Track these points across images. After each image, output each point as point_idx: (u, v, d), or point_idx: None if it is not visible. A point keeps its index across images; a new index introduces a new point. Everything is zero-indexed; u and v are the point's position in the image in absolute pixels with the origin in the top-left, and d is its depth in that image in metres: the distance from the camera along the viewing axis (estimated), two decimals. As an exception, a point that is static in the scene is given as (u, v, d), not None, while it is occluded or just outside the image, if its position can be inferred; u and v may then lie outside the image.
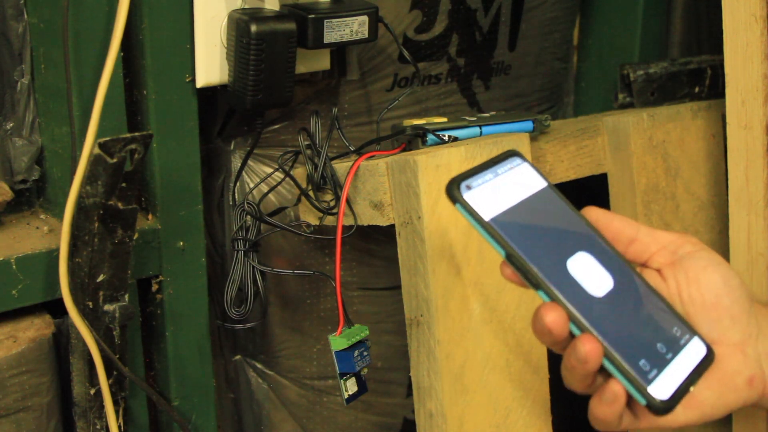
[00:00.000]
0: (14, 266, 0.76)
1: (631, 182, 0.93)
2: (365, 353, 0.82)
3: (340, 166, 0.83)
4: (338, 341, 0.81)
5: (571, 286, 0.60)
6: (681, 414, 0.63)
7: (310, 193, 0.85)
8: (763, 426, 0.87)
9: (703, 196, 0.99)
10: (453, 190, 0.60)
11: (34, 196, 0.84)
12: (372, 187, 0.80)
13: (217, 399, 0.91)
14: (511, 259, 0.60)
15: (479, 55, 1.02)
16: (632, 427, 0.64)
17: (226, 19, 0.79)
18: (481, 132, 0.87)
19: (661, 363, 0.60)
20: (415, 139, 0.84)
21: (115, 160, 0.70)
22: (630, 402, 0.62)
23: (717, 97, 1.00)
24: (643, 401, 0.59)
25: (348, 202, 0.81)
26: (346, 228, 0.81)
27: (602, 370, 0.61)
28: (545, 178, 0.65)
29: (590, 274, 0.62)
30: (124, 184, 0.72)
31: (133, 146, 0.71)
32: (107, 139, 0.70)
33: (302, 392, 1.00)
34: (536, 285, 0.60)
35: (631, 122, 0.93)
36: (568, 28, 1.14)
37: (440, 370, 0.77)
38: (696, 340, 0.63)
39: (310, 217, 0.86)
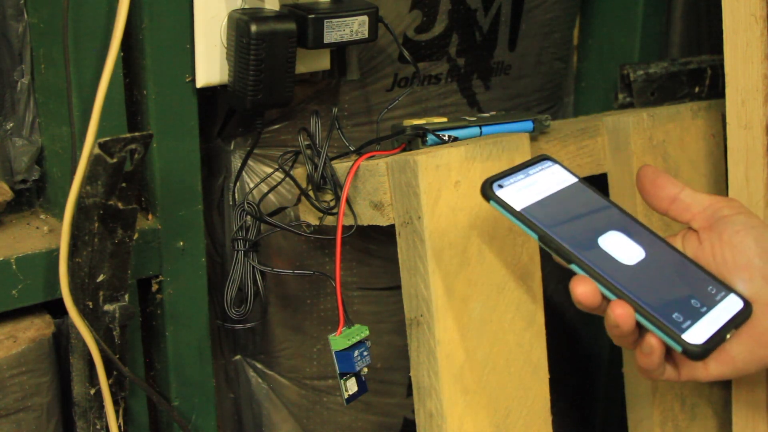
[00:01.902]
0: (14, 266, 0.76)
1: (631, 182, 0.93)
2: (365, 353, 0.82)
3: (340, 166, 0.83)
4: (338, 341, 0.81)
5: (602, 257, 0.65)
6: (714, 368, 0.67)
7: (310, 193, 0.85)
8: (764, 425, 0.87)
9: (703, 196, 0.99)
10: (486, 188, 0.67)
11: (34, 196, 0.84)
12: (372, 187, 0.80)
13: (217, 399, 0.91)
14: (543, 240, 0.65)
15: (479, 55, 1.02)
16: (674, 379, 0.68)
17: (226, 19, 0.79)
18: (481, 132, 0.87)
19: (695, 315, 0.63)
20: (415, 139, 0.84)
21: (115, 160, 0.70)
22: (670, 354, 0.66)
23: (717, 97, 1.00)
24: (678, 348, 0.62)
25: (348, 202, 0.81)
26: (346, 228, 0.81)
27: (641, 327, 0.64)
28: (576, 175, 0.69)
29: (622, 248, 0.65)
30: (124, 184, 0.72)
31: (133, 146, 0.71)
32: (107, 139, 0.70)
33: (302, 392, 1.00)
34: (567, 259, 0.64)
35: (631, 122, 0.93)
36: (568, 28, 1.14)
37: (440, 370, 0.77)
38: (732, 295, 0.66)
39: (310, 217, 0.86)
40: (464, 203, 0.79)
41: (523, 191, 0.66)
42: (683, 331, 0.62)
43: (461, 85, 1.02)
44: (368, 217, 0.81)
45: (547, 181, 0.68)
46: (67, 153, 0.78)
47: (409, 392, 1.05)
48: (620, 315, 0.63)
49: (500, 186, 0.67)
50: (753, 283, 0.67)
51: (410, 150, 0.84)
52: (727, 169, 0.87)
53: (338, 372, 0.81)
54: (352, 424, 1.04)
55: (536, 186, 0.67)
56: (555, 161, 0.69)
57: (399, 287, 0.79)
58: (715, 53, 1.06)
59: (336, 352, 0.81)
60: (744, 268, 0.67)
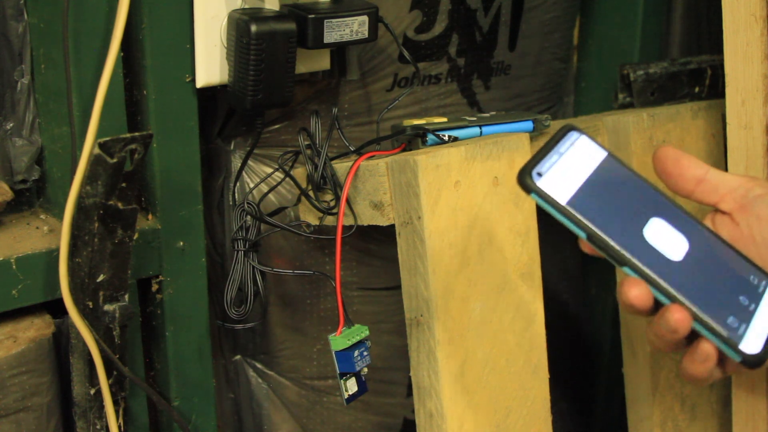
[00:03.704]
0: (14, 266, 0.76)
1: (631, 182, 0.93)
2: (365, 353, 0.82)
3: (340, 166, 0.83)
4: (338, 341, 0.81)
5: (652, 256, 0.62)
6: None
7: (310, 193, 0.85)
8: (764, 425, 0.87)
9: (703, 196, 0.99)
10: (525, 179, 0.61)
11: (34, 196, 0.84)
12: (372, 187, 0.80)
13: (217, 399, 0.91)
14: (592, 239, 0.62)
15: (479, 55, 1.02)
16: (721, 378, 0.66)
17: (226, 19, 0.79)
18: (481, 132, 0.87)
19: (746, 316, 0.62)
20: (415, 139, 0.84)
21: (115, 160, 0.70)
22: (720, 356, 0.63)
23: (717, 97, 1.00)
24: (737, 358, 0.61)
25: (348, 202, 0.81)
26: (346, 228, 0.81)
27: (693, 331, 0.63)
28: (603, 146, 0.66)
29: (666, 239, 0.63)
30: (124, 184, 0.72)
31: (133, 146, 0.71)
32: (107, 139, 0.70)
33: (302, 392, 1.00)
34: (621, 262, 0.61)
35: (631, 122, 0.93)
36: (568, 28, 1.14)
37: (440, 370, 0.77)
38: None
39: (310, 217, 0.86)
40: (464, 203, 0.79)
41: (562, 178, 0.62)
42: (740, 339, 0.61)
43: (461, 85, 1.02)
44: (368, 217, 0.81)
45: (580, 160, 0.64)
46: (67, 153, 0.78)
47: (409, 392, 1.05)
48: (679, 320, 0.60)
49: (539, 174, 0.61)
50: None
51: (410, 150, 0.84)
52: (727, 169, 0.87)
53: (338, 372, 0.81)
54: (352, 424, 1.04)
55: (572, 169, 0.63)
56: (580, 131, 0.66)
57: (399, 287, 0.79)
58: (715, 53, 1.06)
59: (336, 352, 0.81)
60: None
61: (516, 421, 0.83)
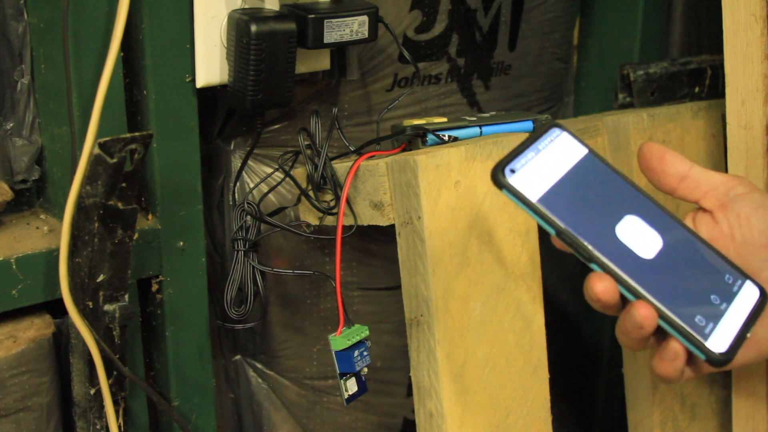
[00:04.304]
0: (14, 266, 0.76)
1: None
2: (365, 353, 0.82)
3: (340, 166, 0.83)
4: (338, 341, 0.81)
5: (621, 253, 0.62)
6: (738, 355, 0.64)
7: (310, 193, 0.85)
8: (764, 425, 0.87)
9: (703, 196, 0.99)
10: (498, 175, 0.62)
11: (34, 196, 0.84)
12: (372, 187, 0.80)
13: (217, 399, 0.91)
14: (561, 236, 0.62)
15: (479, 55, 1.02)
16: (693, 377, 0.66)
17: (226, 19, 0.79)
18: (481, 132, 0.87)
19: (716, 315, 0.62)
20: (415, 139, 0.84)
21: (115, 160, 0.70)
22: (689, 355, 0.63)
23: (717, 97, 1.00)
24: (702, 356, 0.61)
25: (348, 202, 0.81)
26: (346, 228, 0.81)
27: (658, 329, 0.62)
28: (586, 144, 0.66)
29: (639, 237, 0.63)
30: (124, 184, 0.72)
31: (133, 146, 0.71)
32: (107, 139, 0.69)
33: (302, 392, 1.00)
34: (588, 258, 0.62)
35: (631, 122, 0.93)
36: (568, 28, 1.14)
37: (440, 370, 0.77)
38: (748, 283, 0.64)
39: (310, 217, 0.86)
40: (464, 203, 0.79)
41: (536, 175, 0.63)
42: (707, 337, 0.61)
43: (461, 85, 1.02)
44: (368, 217, 0.81)
45: (559, 157, 0.64)
46: (67, 153, 0.78)
47: (409, 392, 1.05)
48: (644, 316, 0.61)
49: (512, 171, 0.62)
50: None
51: (410, 150, 0.84)
52: (727, 169, 0.87)
53: (338, 372, 0.81)
54: (352, 424, 1.04)
55: (548, 166, 0.63)
56: (563, 128, 0.66)
57: (399, 287, 0.79)
58: (715, 53, 1.06)
59: (336, 352, 0.81)
60: (763, 248, 0.65)
61: (516, 421, 0.83)
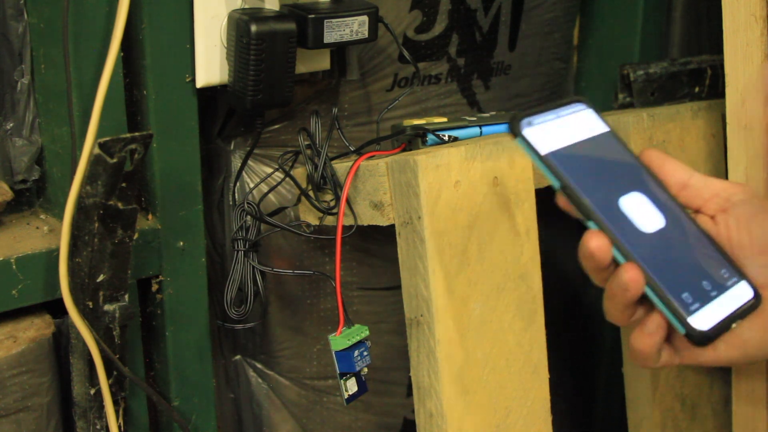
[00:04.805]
0: (14, 266, 0.76)
1: (631, 182, 0.93)
2: (365, 353, 0.82)
3: (340, 166, 0.83)
4: (338, 341, 0.81)
5: (620, 219, 0.62)
6: (723, 351, 0.65)
7: (310, 193, 0.85)
8: (763, 425, 0.87)
9: (703, 196, 0.99)
10: (514, 125, 0.63)
11: (34, 196, 0.84)
12: (372, 187, 0.80)
13: (217, 399, 0.91)
14: (565, 190, 0.62)
15: (479, 55, 1.02)
16: (671, 363, 0.66)
17: (226, 19, 0.79)
18: (481, 132, 0.87)
19: (704, 298, 0.62)
20: (415, 139, 0.84)
21: (115, 160, 0.70)
22: (671, 338, 0.64)
23: (717, 97, 1.00)
24: (682, 330, 0.61)
25: (348, 202, 0.81)
26: (346, 228, 0.81)
27: (644, 304, 0.63)
28: (608, 124, 0.66)
29: (642, 212, 0.63)
30: (124, 184, 0.72)
31: (133, 146, 0.71)
32: (107, 139, 0.70)
33: (302, 392, 1.00)
34: (587, 216, 0.62)
35: (631, 122, 0.93)
36: (568, 28, 1.14)
37: (440, 370, 0.77)
38: (744, 283, 0.64)
39: (310, 217, 0.86)
40: (464, 203, 0.79)
41: (552, 134, 0.63)
42: (690, 313, 0.61)
43: (461, 85, 1.02)
44: (368, 217, 0.81)
45: (578, 126, 0.65)
46: (67, 153, 0.78)
47: (409, 392, 1.05)
48: (632, 278, 0.61)
49: (530, 124, 0.63)
50: None
51: (410, 150, 0.84)
52: (727, 169, 0.87)
53: (338, 372, 0.81)
54: (352, 424, 1.04)
55: (566, 130, 0.64)
56: (588, 105, 0.66)
57: (399, 287, 0.79)
58: (715, 53, 1.06)
59: (336, 352, 0.81)
60: (760, 253, 0.65)
61: (516, 421, 0.83)
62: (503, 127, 0.88)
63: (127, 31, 0.75)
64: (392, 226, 0.79)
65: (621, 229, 0.62)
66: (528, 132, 0.63)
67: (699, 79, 1.09)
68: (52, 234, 0.80)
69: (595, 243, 0.61)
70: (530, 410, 0.84)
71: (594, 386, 1.27)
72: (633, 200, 0.64)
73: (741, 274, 0.65)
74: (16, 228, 0.81)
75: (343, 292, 0.85)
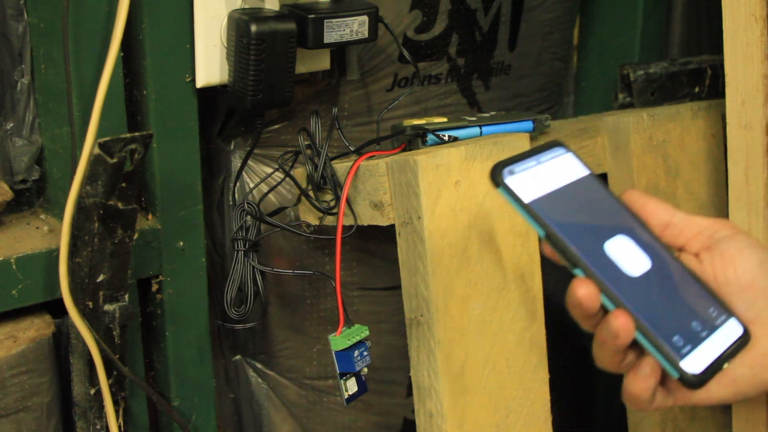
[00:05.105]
0: (14, 266, 0.76)
1: (631, 182, 0.93)
2: (365, 353, 0.82)
3: (340, 166, 0.83)
4: (338, 341, 0.81)
5: (607, 264, 0.62)
6: (715, 391, 0.64)
7: (310, 193, 0.85)
8: (763, 425, 0.87)
9: (703, 196, 0.99)
10: (496, 174, 0.62)
11: (34, 196, 0.84)
12: (372, 187, 0.80)
13: (217, 399, 0.91)
14: (550, 239, 0.61)
15: (479, 55, 1.02)
16: (665, 405, 0.65)
17: (226, 19, 0.79)
18: (481, 132, 0.87)
19: (695, 340, 0.61)
20: (415, 139, 0.84)
21: (115, 160, 0.70)
22: (664, 380, 0.63)
23: (717, 97, 1.00)
24: (675, 374, 0.60)
25: (348, 202, 0.81)
26: (346, 228, 0.81)
27: (635, 348, 0.62)
28: (588, 167, 0.66)
29: (628, 256, 0.63)
30: (124, 184, 0.72)
31: (133, 146, 0.71)
32: (107, 139, 0.70)
33: (302, 392, 1.00)
34: (573, 263, 0.61)
35: (631, 122, 0.93)
36: (568, 28, 1.14)
37: (440, 370, 0.77)
38: (733, 320, 0.64)
39: (310, 217, 0.86)
40: (464, 203, 0.79)
41: (534, 181, 0.63)
42: (682, 356, 0.60)
43: (461, 85, 1.02)
44: (368, 217, 0.81)
45: (559, 171, 0.65)
46: (67, 153, 0.78)
47: (409, 392, 1.05)
48: (623, 325, 0.60)
49: (511, 172, 0.62)
50: (756, 304, 0.65)
51: (410, 150, 0.84)
52: (727, 169, 0.87)
53: (338, 372, 0.81)
54: (352, 424, 1.04)
55: (547, 176, 0.64)
56: (568, 149, 0.66)
57: (399, 287, 0.79)
58: (715, 53, 1.06)
59: (336, 352, 0.81)
60: (748, 289, 0.65)
61: (516, 421, 0.83)
62: (503, 127, 0.88)
63: (127, 31, 0.75)
64: (392, 226, 0.79)
65: (608, 274, 0.61)
66: (510, 181, 0.62)
67: (699, 79, 1.09)
68: (52, 234, 0.80)
69: (583, 291, 0.61)
70: (530, 410, 0.84)
71: (594, 386, 1.27)
72: (618, 244, 0.63)
73: (729, 312, 0.64)
74: (16, 228, 0.81)
75: (343, 292, 0.85)
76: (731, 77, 0.85)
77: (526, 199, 0.62)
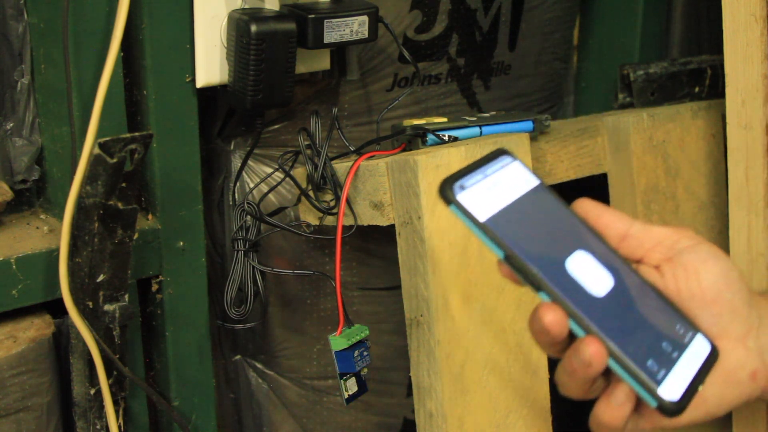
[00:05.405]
0: (14, 266, 0.76)
1: (631, 182, 0.93)
2: (365, 353, 0.82)
3: (340, 166, 0.83)
4: (338, 341, 0.81)
5: (572, 286, 0.58)
6: (686, 413, 0.59)
7: (310, 193, 0.85)
8: (763, 426, 0.87)
9: (703, 196, 0.99)
10: (446, 191, 0.57)
11: (34, 196, 0.84)
12: (372, 187, 0.80)
13: (217, 399, 0.91)
14: (509, 260, 0.58)
15: (479, 55, 1.02)
16: (636, 430, 0.61)
17: (226, 19, 0.79)
18: (481, 132, 0.87)
19: (668, 363, 0.58)
20: (415, 139, 0.84)
21: (115, 160, 0.70)
22: (636, 405, 0.60)
23: (717, 97, 1.00)
24: (653, 403, 0.57)
25: (348, 202, 0.81)
26: (346, 228, 0.81)
27: (603, 374, 0.59)
28: (536, 176, 0.62)
29: (590, 274, 0.59)
30: (124, 184, 0.72)
31: (133, 146, 0.71)
32: (107, 139, 0.70)
33: (302, 392, 1.00)
34: (537, 287, 0.58)
35: (631, 122, 0.93)
36: (568, 28, 1.14)
37: (440, 370, 0.77)
38: (699, 337, 0.61)
39: (310, 217, 0.86)
40: (464, 203, 0.78)
41: (486, 195, 0.58)
42: (659, 383, 0.57)
43: (461, 85, 1.02)
44: (368, 217, 0.81)
45: (508, 183, 0.60)
46: (67, 153, 0.78)
47: (409, 392, 1.05)
48: (594, 353, 0.56)
49: (462, 187, 0.57)
50: (722, 318, 0.62)
51: (410, 150, 0.84)
52: (727, 169, 0.87)
53: (338, 372, 0.81)
54: (352, 424, 1.04)
55: (498, 189, 0.59)
56: (514, 157, 0.62)
57: (399, 287, 0.79)
58: (715, 53, 1.06)
59: (336, 352, 0.81)
60: (713, 302, 0.62)
61: (516, 421, 0.83)
62: (503, 127, 0.88)
63: (127, 31, 0.75)
64: (392, 226, 0.79)
65: (574, 297, 0.57)
66: (462, 197, 0.57)
67: (699, 79, 1.09)
68: (52, 234, 0.80)
69: (550, 317, 0.57)
70: (530, 410, 0.84)
71: (594, 386, 1.27)
72: (579, 261, 0.59)
73: (694, 328, 0.61)
74: (16, 228, 0.81)
75: (343, 292, 0.85)
76: (731, 77, 0.85)
77: (481, 217, 0.57)
